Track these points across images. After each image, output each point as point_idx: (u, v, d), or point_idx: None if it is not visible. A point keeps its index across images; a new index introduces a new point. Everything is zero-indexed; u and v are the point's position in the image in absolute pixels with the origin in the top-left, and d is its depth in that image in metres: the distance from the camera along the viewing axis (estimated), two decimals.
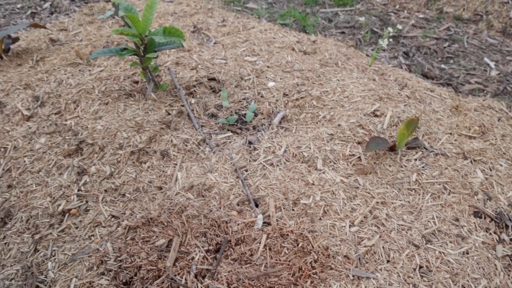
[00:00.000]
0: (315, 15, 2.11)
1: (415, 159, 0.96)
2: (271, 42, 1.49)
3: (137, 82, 1.24)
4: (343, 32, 1.89)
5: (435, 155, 0.98)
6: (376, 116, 1.07)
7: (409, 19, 2.03)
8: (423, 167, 0.94)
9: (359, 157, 0.95)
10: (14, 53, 1.46)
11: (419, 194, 0.87)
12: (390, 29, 1.35)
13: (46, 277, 0.76)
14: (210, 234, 0.76)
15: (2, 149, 1.04)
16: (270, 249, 0.74)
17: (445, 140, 1.04)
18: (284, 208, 0.81)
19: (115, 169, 0.92)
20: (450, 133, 1.07)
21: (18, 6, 2.02)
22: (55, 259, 0.78)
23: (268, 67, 1.29)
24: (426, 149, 1.00)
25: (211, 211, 0.80)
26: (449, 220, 0.83)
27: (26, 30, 1.71)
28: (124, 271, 0.72)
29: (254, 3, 2.28)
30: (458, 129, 1.09)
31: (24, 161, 0.99)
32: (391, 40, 1.82)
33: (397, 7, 2.17)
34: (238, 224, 0.77)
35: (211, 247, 0.75)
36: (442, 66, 1.66)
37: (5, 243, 0.86)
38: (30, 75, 1.31)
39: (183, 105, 1.11)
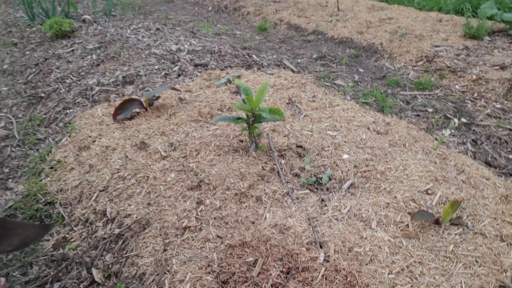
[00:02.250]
0: (395, 96, 2.43)
1: (455, 234, 1.21)
2: (351, 120, 1.85)
3: (242, 141, 1.67)
4: (418, 115, 2.18)
5: (474, 234, 1.22)
6: (428, 193, 1.34)
7: (485, 108, 2.25)
8: (461, 241, 1.18)
9: (407, 224, 1.23)
10: (155, 107, 2.02)
11: (453, 262, 1.12)
12: (456, 120, 1.63)
13: (170, 268, 1.16)
14: (284, 260, 1.10)
15: (146, 177, 1.52)
16: (326, 278, 1.05)
17: (488, 223, 1.26)
18: (340, 252, 1.12)
19: (223, 204, 1.33)
20: (494, 218, 1.29)
21: (156, 67, 2.69)
22: (177, 257, 1.18)
23: (345, 142, 1.64)
24: (468, 227, 1.24)
25: (287, 244, 1.14)
26: (475, 287, 1.06)
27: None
28: (223, 273, 1.08)
29: (342, 80, 2.68)
30: (502, 216, 1.30)
31: (160, 188, 1.45)
32: (462, 126, 2.06)
33: (475, 95, 2.41)
34: (305, 257, 1.10)
35: (284, 269, 1.08)
36: (511, 156, 1.85)
37: (144, 242, 1.28)
38: (165, 125, 1.84)
39: (275, 164, 1.50)
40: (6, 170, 1.94)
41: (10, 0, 6.43)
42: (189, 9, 5.21)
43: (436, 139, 1.84)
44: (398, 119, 1.99)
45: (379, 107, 2.24)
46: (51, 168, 1.80)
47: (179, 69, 2.64)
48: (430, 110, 2.21)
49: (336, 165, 1.51)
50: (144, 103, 1.97)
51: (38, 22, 4.34)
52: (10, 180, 1.85)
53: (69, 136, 1.96)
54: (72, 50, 3.29)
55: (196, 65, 2.68)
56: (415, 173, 1.43)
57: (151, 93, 1.95)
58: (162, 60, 2.83)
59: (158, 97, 2.03)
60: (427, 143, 1.72)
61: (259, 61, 2.87)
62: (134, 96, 2.26)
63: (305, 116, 1.91)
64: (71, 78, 2.71)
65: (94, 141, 1.84)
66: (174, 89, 2.05)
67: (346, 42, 3.38)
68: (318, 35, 3.58)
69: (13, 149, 2.09)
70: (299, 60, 3.00)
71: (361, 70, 2.87)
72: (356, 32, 3.46)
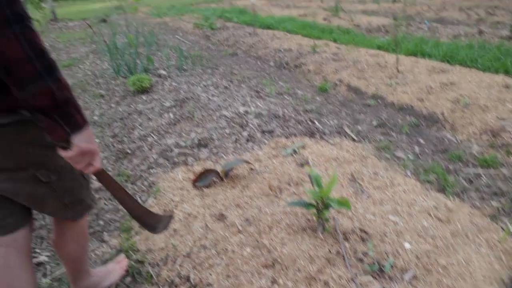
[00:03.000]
0: (457, 173, 2.51)
1: None
2: (412, 204, 1.98)
3: (309, 220, 1.86)
4: (482, 197, 2.25)
5: None
6: None
7: None
8: None
9: None
10: (230, 177, 2.28)
11: None
12: None
13: None
14: None
15: (225, 249, 1.74)
16: None
17: None
18: None
19: (294, 285, 1.51)
20: None
21: (227, 131, 2.99)
22: None
23: (406, 229, 1.77)
24: None
25: None
26: None
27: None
28: None
29: (402, 152, 2.81)
30: None
31: (238, 262, 1.66)
32: None
33: None
34: None
35: None
36: None
37: None
38: (240, 197, 2.08)
39: (340, 247, 1.67)
40: (101, 222, 2.25)
41: (97, 50, 7.28)
42: (251, 63, 5.61)
43: (502, 228, 1.90)
44: (460, 203, 2.08)
45: (441, 186, 2.34)
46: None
47: (248, 135, 2.92)
48: (495, 191, 2.27)
49: (398, 253, 1.64)
50: (220, 173, 2.24)
51: (122, 75, 4.91)
52: (105, 233, 2.16)
53: (155, 198, 2.26)
54: (152, 107, 3.71)
55: (263, 132, 2.95)
56: (478, 272, 1.53)
57: (227, 166, 2.22)
58: (232, 124, 3.13)
59: (232, 168, 2.29)
60: (491, 234, 1.80)
61: (321, 128, 3.08)
62: (209, 162, 2.55)
63: (368, 196, 2.06)
64: (152, 137, 3.08)
65: (176, 206, 2.12)
66: (246, 162, 2.30)
67: (406, 109, 3.51)
68: (378, 100, 3.75)
69: (106, 202, 2.42)
70: (359, 127, 3.18)
71: (421, 141, 2.99)
72: (416, 99, 3.59)
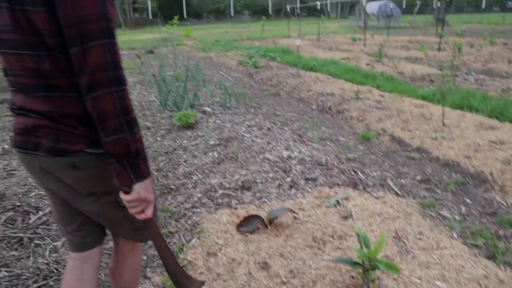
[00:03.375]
0: (507, 240, 2.44)
1: None
2: (460, 270, 1.95)
3: (353, 277, 1.87)
4: None
5: None
6: None
7: None
8: None
9: None
10: (274, 224, 2.34)
11: None
12: None
13: None
14: None
15: None
16: None
17: None
18: None
19: None
20: None
21: (270, 175, 3.07)
22: None
23: None
24: None
25: None
26: None
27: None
28: None
29: (448, 211, 2.78)
30: None
31: None
32: None
33: None
34: None
35: None
36: None
37: None
38: (283, 246, 2.12)
39: None
40: (144, 257, 2.35)
41: (144, 81, 7.70)
42: (294, 105, 5.75)
43: None
44: None
45: (490, 252, 2.28)
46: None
47: (291, 181, 2.99)
48: None
49: None
50: (265, 220, 2.30)
51: (168, 109, 5.17)
52: (148, 269, 2.25)
53: (198, 238, 2.35)
54: (197, 144, 3.87)
55: (306, 179, 3.01)
56: None
57: (272, 214, 2.29)
58: (275, 168, 3.21)
59: (277, 216, 2.35)
60: None
61: (364, 180, 3.10)
62: (253, 206, 2.63)
63: (413, 257, 2.05)
64: (197, 175, 3.21)
65: (220, 249, 2.18)
66: (291, 211, 2.36)
67: (451, 165, 3.48)
68: (422, 153, 3.74)
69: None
70: (403, 181, 3.17)
71: (468, 201, 2.94)
72: (463, 156, 3.55)
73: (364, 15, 18.13)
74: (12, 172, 3.54)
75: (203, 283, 1.46)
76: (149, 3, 39.60)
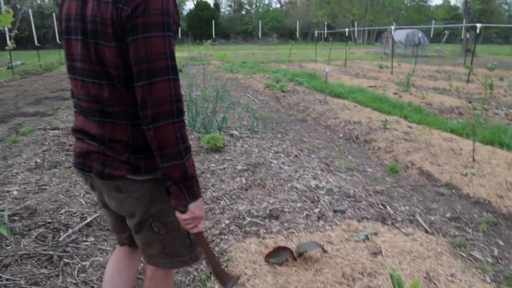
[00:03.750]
0: None
1: None
2: None
3: None
4: None
5: None
6: None
7: None
8: None
9: None
10: (303, 257, 2.34)
11: None
12: None
13: None
14: None
15: None
16: None
17: None
18: None
19: None
20: None
21: (298, 205, 3.08)
22: None
23: None
24: None
25: None
26: None
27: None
28: None
29: (479, 253, 2.71)
30: None
31: None
32: None
33: None
34: None
35: None
36: None
37: None
38: (313, 281, 2.12)
39: None
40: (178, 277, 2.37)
41: None
42: (321, 132, 5.77)
43: None
44: None
45: None
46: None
47: (319, 212, 2.99)
48: None
49: None
50: (294, 253, 2.31)
51: (196, 130, 5.27)
52: None
53: (226, 267, 2.36)
54: (224, 168, 3.93)
55: (335, 211, 3.00)
56: None
57: (301, 247, 2.29)
58: (303, 197, 3.22)
59: (307, 250, 2.35)
60: None
61: (393, 214, 3.07)
62: (281, 237, 2.64)
63: None
64: (225, 201, 3.25)
65: (248, 280, 2.19)
66: (321, 247, 2.36)
67: (482, 204, 3.40)
68: (452, 189, 3.68)
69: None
70: (432, 218, 3.12)
71: (500, 242, 2.86)
72: (494, 194, 3.47)
73: (391, 43, 18.16)
74: (43, 187, 3.66)
75: (238, 278, 1.66)
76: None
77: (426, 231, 2.89)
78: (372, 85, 9.78)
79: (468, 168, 4.01)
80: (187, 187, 1.15)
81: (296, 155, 4.40)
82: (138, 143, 1.20)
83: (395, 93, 8.53)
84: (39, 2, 46.82)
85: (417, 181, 3.92)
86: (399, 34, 23.86)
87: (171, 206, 1.27)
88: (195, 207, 1.19)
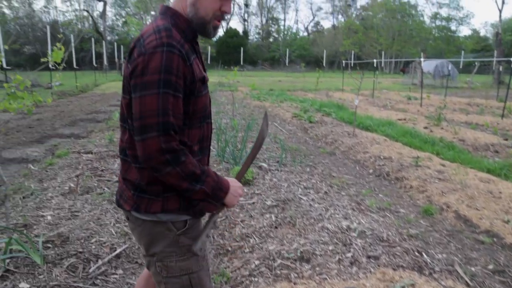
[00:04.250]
0: None
1: None
2: None
3: None
4: None
5: None
6: None
7: None
8: None
9: None
10: None
11: None
12: None
13: None
14: None
15: None
16: None
17: None
18: None
19: None
20: None
21: (330, 248, 2.96)
22: None
23: None
24: None
25: None
26: None
27: None
28: None
29: None
30: None
31: None
32: None
33: None
34: None
35: None
36: None
37: None
38: None
39: None
40: None
41: None
42: (350, 167, 5.64)
43: None
44: None
45: None
46: None
47: (352, 256, 2.86)
48: None
49: None
50: None
51: (225, 160, 5.25)
52: None
53: None
54: (253, 203, 3.86)
55: (368, 257, 2.86)
56: None
57: None
58: (335, 239, 3.10)
59: None
60: None
61: (430, 263, 2.90)
62: (313, 283, 2.52)
63: None
64: (254, 239, 3.17)
65: None
66: None
67: None
68: (493, 237, 3.46)
69: None
70: (473, 269, 2.93)
71: None
72: None
73: (420, 73, 17.94)
74: (76, 214, 3.68)
75: (266, 114, 1.70)
76: (209, 48, 41.86)
77: (467, 285, 2.71)
78: (401, 118, 9.59)
79: (510, 214, 3.79)
80: (214, 199, 1.29)
81: (326, 192, 4.29)
82: (142, 184, 1.29)
83: (425, 127, 8.32)
84: (79, 27, 49.19)
85: (453, 226, 3.72)
86: (428, 65, 23.58)
87: (173, 252, 1.33)
88: (228, 199, 1.32)
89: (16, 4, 49.83)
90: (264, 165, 5.14)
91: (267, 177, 4.68)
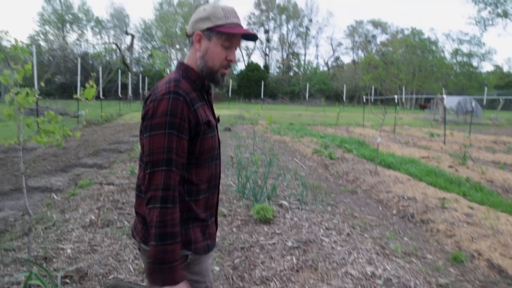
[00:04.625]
0: None
1: None
2: None
3: None
4: None
5: None
6: None
7: None
8: None
9: None
10: None
11: None
12: None
13: None
14: None
15: None
16: None
17: None
18: None
19: None
20: None
21: None
22: None
23: None
24: None
25: None
26: None
27: None
28: None
29: None
30: None
31: None
32: None
33: None
34: None
35: None
36: None
37: None
38: None
39: None
40: None
41: (222, 160, 7.96)
42: (372, 207, 5.48)
43: None
44: None
45: None
46: None
47: None
48: None
49: None
50: None
51: (245, 197, 5.19)
52: None
53: None
54: (274, 244, 3.75)
55: None
56: None
57: None
58: (359, 287, 2.95)
59: None
60: None
61: None
62: None
63: None
64: (275, 283, 3.05)
65: None
66: None
67: None
68: None
69: None
70: None
71: None
72: None
73: (442, 109, 17.71)
74: (95, 248, 3.65)
75: None
76: (230, 81, 42.75)
77: None
78: (424, 155, 9.38)
79: None
80: (159, 269, 1.26)
81: (348, 233, 4.14)
82: None
83: (450, 166, 8.09)
84: (108, 59, 51.24)
85: (487, 276, 3.50)
86: (451, 101, 23.29)
87: None
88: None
89: (51, 37, 52.60)
90: (285, 203, 5.05)
91: (288, 216, 4.58)
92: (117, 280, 1.43)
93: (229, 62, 1.41)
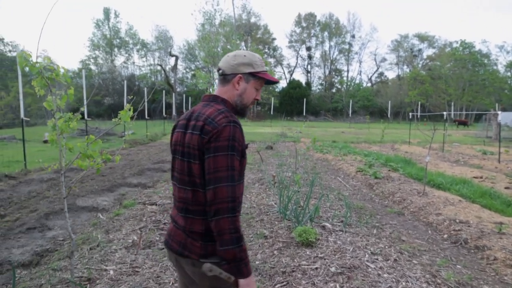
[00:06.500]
0: None
1: None
2: None
3: None
4: None
5: None
6: None
7: None
8: None
9: None
10: None
11: None
12: None
13: None
14: None
15: None
16: None
17: None
18: None
19: None
20: None
21: None
22: None
23: None
24: None
25: None
26: None
27: None
28: None
29: None
30: None
31: None
32: None
33: None
34: None
35: None
36: None
37: None
38: None
39: None
40: None
41: (263, 179, 7.91)
42: (421, 230, 5.20)
43: None
44: None
45: None
46: None
47: None
48: None
49: None
50: None
51: (287, 219, 5.10)
52: None
53: None
54: (316, 268, 3.64)
55: None
56: None
57: None
58: None
59: None
60: None
61: None
62: None
63: None
64: None
65: None
66: None
67: None
68: None
69: None
70: None
71: None
72: None
73: (496, 126, 16.72)
74: (137, 270, 3.71)
75: None
76: (272, 99, 43.00)
77: None
78: (477, 175, 8.83)
79: None
80: (240, 266, 1.46)
81: (395, 259, 3.94)
82: (209, 233, 1.54)
83: (507, 187, 7.55)
84: (153, 79, 53.49)
85: None
86: (506, 116, 21.97)
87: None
88: (243, 284, 1.48)
89: (100, 61, 55.86)
90: (328, 224, 4.91)
91: (331, 239, 4.44)
92: (212, 265, 1.56)
93: (255, 101, 1.73)
